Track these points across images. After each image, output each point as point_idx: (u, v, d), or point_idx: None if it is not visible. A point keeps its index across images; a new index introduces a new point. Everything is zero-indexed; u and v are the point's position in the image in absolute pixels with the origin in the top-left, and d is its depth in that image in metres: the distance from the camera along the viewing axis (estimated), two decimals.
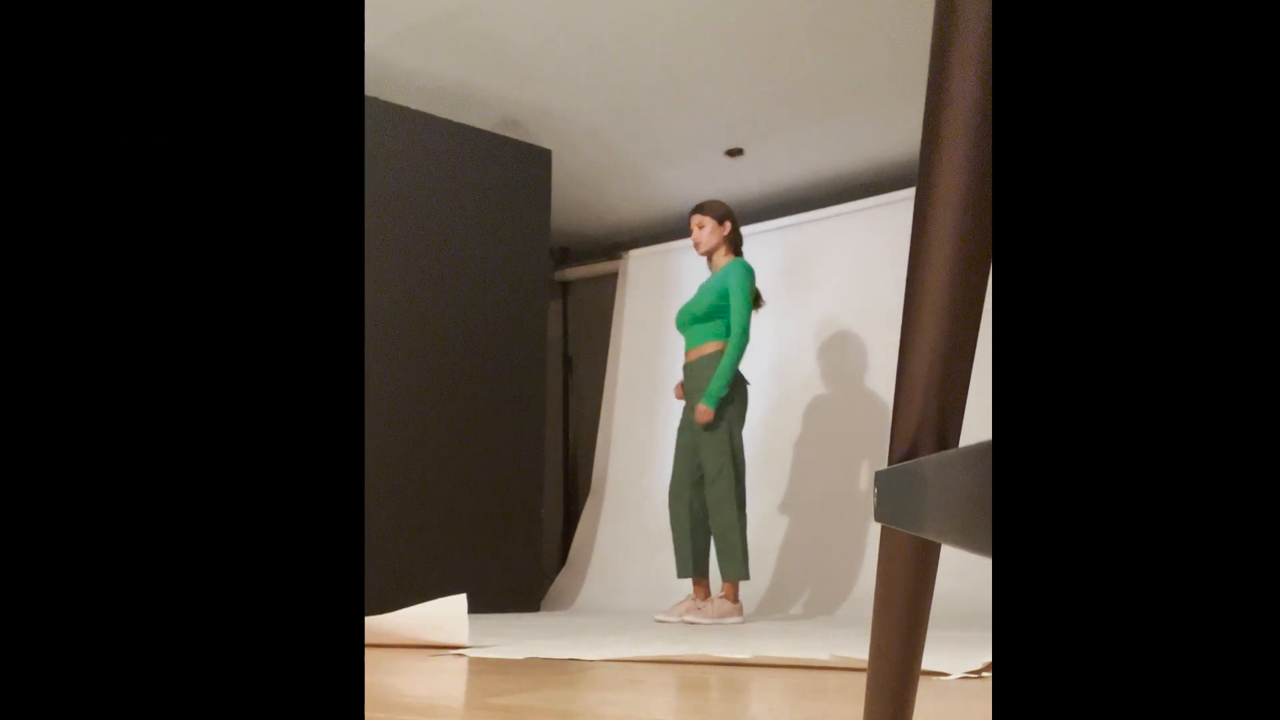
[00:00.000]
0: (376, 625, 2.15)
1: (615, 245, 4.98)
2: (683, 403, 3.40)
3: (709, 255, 3.33)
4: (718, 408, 3.14)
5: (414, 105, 3.58)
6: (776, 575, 3.72)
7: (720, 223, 3.30)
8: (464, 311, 3.52)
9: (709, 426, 3.14)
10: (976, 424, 3.39)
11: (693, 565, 3.24)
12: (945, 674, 1.47)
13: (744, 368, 4.15)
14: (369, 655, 1.93)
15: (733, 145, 3.89)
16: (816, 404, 3.91)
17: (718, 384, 3.13)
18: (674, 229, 4.75)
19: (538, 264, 3.77)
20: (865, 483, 3.69)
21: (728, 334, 3.24)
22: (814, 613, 3.46)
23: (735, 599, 3.12)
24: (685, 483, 3.28)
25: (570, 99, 3.51)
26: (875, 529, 3.56)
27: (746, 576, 3.11)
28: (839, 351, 3.90)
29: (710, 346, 3.25)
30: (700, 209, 3.32)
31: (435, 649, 2.06)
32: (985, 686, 1.36)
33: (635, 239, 4.92)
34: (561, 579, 4.30)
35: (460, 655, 1.91)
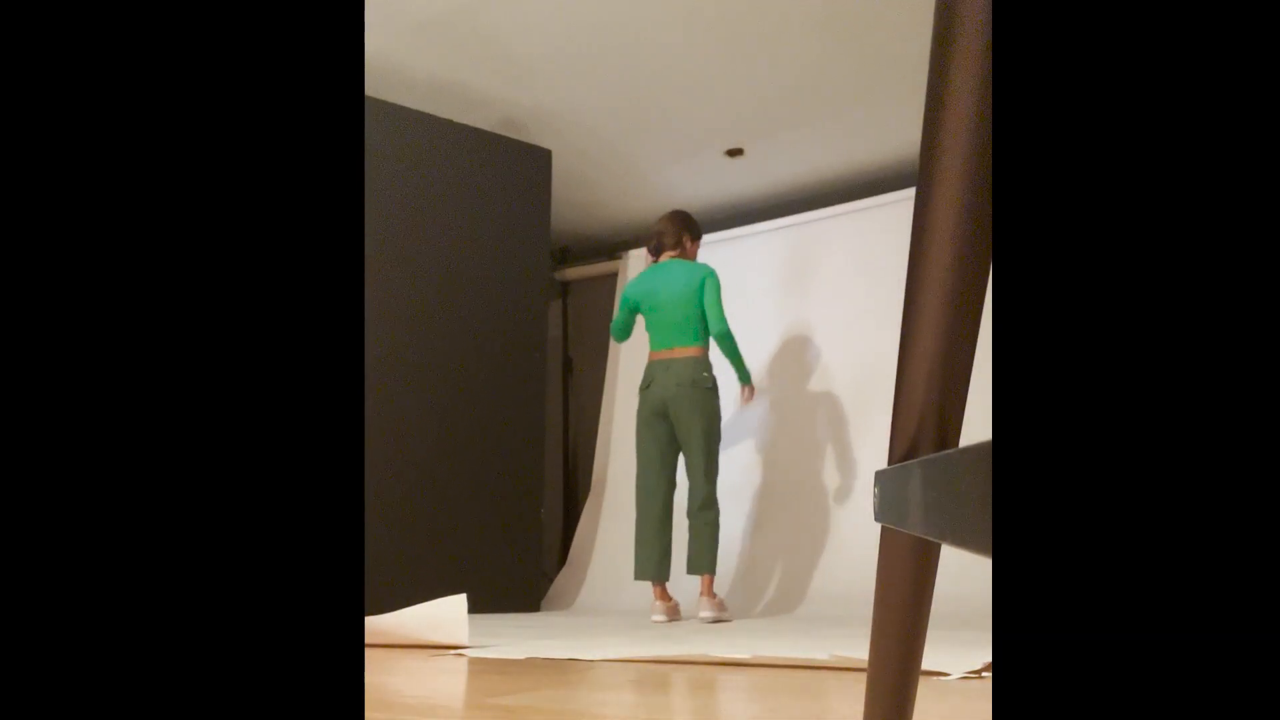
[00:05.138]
0: (376, 625, 2.15)
1: (615, 245, 4.98)
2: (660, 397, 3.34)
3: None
4: (709, 389, 3.23)
5: (414, 105, 3.58)
6: (781, 576, 3.72)
7: (695, 240, 3.45)
8: (464, 312, 3.52)
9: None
10: (977, 424, 3.39)
11: (657, 566, 3.23)
12: (945, 674, 1.47)
13: None
14: (369, 655, 1.92)
15: (733, 145, 3.89)
16: (816, 404, 3.90)
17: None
18: None
19: (538, 264, 3.77)
20: (866, 483, 3.69)
21: (701, 338, 3.26)
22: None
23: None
24: (659, 477, 3.28)
25: (570, 99, 3.51)
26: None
27: (713, 570, 3.14)
28: (838, 351, 3.90)
29: (697, 349, 3.27)
30: (686, 225, 3.42)
31: (435, 649, 2.06)
32: (985, 686, 1.36)
33: (635, 239, 4.92)
34: (561, 579, 4.30)
35: (460, 655, 1.91)
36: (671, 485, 3.29)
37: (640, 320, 4.34)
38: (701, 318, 3.25)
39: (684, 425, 3.18)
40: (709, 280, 3.25)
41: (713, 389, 3.20)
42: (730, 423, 4.11)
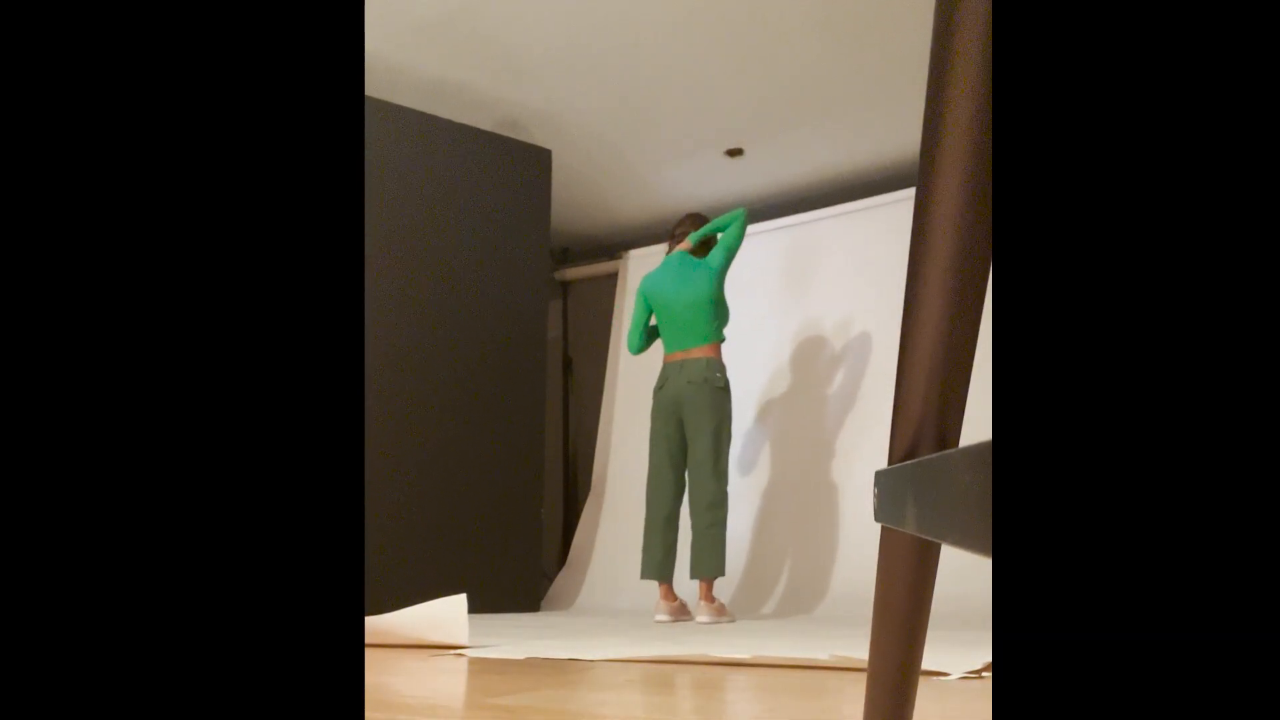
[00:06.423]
0: (376, 625, 2.15)
1: (615, 245, 4.98)
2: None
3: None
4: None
5: (414, 105, 3.58)
6: (790, 575, 3.72)
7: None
8: (464, 311, 3.52)
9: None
10: (977, 424, 3.39)
11: (659, 566, 3.22)
12: (945, 674, 1.47)
13: (741, 366, 4.16)
14: (369, 655, 1.93)
15: (733, 145, 3.89)
16: (816, 404, 3.91)
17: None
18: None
19: (538, 264, 3.77)
20: (865, 483, 3.69)
21: (713, 337, 3.25)
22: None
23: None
24: (668, 477, 3.27)
25: (570, 99, 3.51)
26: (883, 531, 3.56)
27: (723, 573, 3.12)
28: (838, 351, 3.90)
29: (710, 349, 3.26)
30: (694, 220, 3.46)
31: (435, 649, 2.06)
32: (985, 686, 1.36)
33: (635, 239, 4.92)
34: (561, 579, 4.30)
35: (460, 655, 1.91)
36: (681, 486, 3.30)
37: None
38: (712, 318, 3.25)
39: (693, 423, 3.18)
40: (711, 264, 3.29)
41: (724, 389, 3.20)
42: (736, 422, 4.11)
